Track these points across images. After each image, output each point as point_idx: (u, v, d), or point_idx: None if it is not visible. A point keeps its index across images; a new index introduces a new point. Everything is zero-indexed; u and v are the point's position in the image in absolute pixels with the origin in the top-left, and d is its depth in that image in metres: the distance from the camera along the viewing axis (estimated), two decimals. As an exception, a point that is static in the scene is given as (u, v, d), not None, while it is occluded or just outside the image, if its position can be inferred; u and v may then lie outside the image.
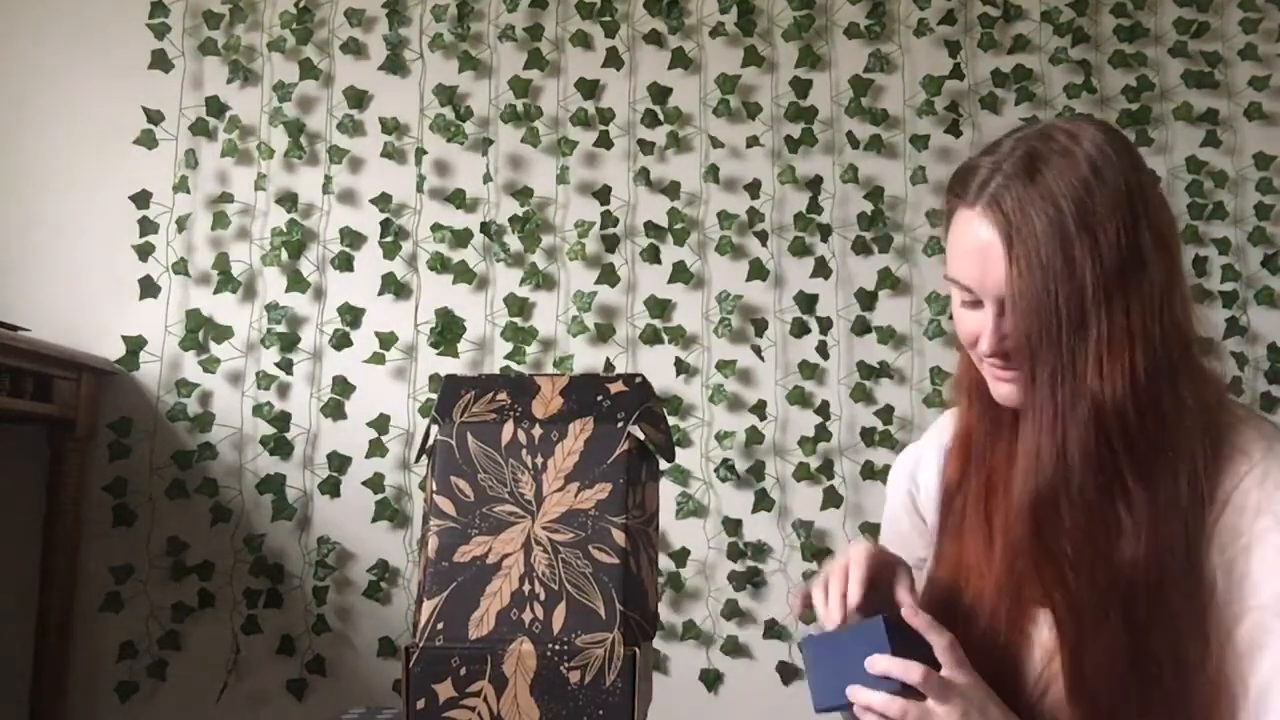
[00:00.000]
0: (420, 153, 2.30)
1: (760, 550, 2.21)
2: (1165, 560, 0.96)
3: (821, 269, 2.28)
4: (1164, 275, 0.96)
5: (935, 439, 1.24)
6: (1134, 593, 0.95)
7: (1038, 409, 0.97)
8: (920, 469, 1.23)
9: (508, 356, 2.24)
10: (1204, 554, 0.97)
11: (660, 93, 2.32)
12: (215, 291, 2.25)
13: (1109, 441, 0.95)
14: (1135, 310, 0.95)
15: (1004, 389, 1.03)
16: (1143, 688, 0.95)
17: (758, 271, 2.27)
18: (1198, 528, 0.97)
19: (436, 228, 2.27)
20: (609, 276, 2.27)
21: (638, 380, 0.95)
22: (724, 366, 2.24)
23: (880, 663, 0.94)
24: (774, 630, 2.19)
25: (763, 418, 2.24)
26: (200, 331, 2.24)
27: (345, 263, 2.26)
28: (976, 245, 0.99)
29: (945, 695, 0.94)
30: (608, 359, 2.26)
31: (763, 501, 2.22)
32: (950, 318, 2.23)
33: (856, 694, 0.95)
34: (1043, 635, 1.02)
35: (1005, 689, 0.99)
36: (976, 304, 1.02)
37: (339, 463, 2.21)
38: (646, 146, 2.31)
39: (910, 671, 0.93)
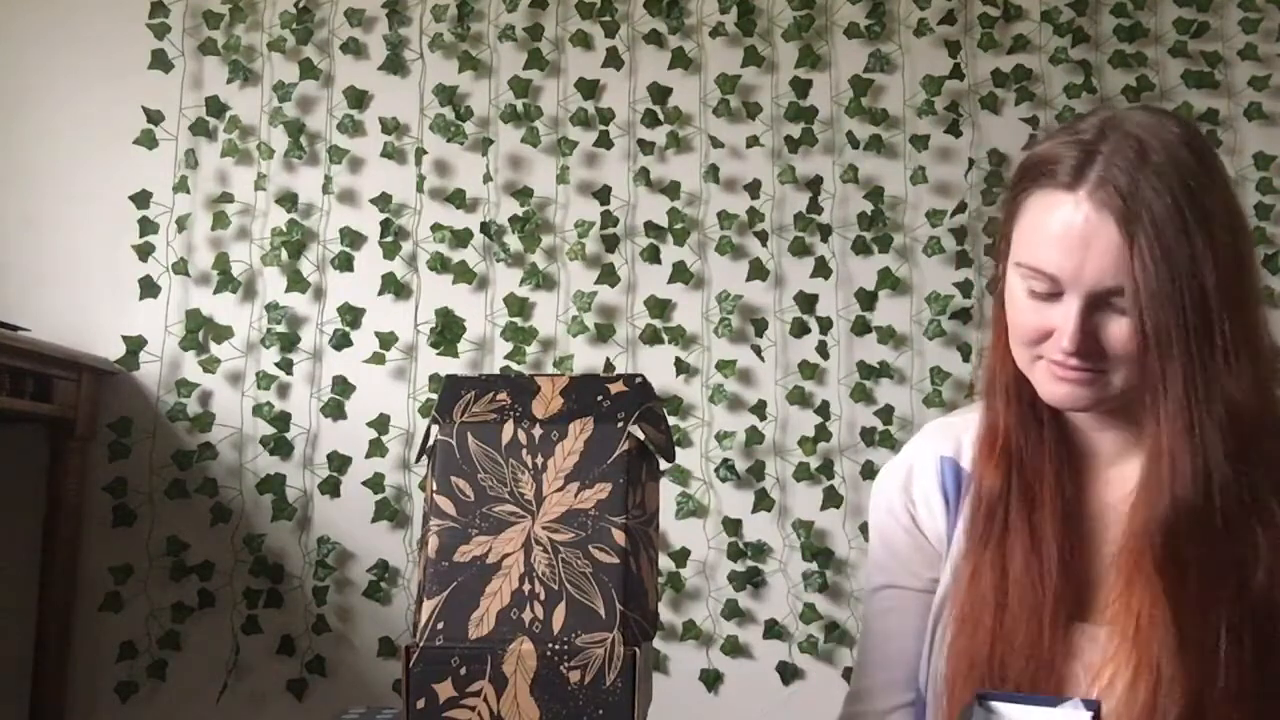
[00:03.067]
0: (420, 153, 2.30)
1: (760, 550, 2.21)
2: None
3: (821, 269, 2.28)
4: (1256, 270, 0.93)
5: (927, 448, 1.14)
6: (1273, 615, 0.89)
7: (1168, 415, 0.90)
8: (915, 482, 1.13)
9: (508, 356, 2.24)
10: None
11: (660, 93, 2.32)
12: (215, 291, 2.25)
13: (1246, 450, 0.89)
14: (1250, 305, 0.91)
15: (1063, 390, 0.95)
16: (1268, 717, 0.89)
17: (758, 271, 2.27)
18: None
19: (436, 228, 2.27)
20: (609, 276, 2.27)
21: (638, 380, 0.94)
22: (724, 366, 2.24)
23: None
24: (774, 630, 2.19)
25: (763, 418, 2.24)
26: (200, 331, 2.24)
27: (345, 263, 2.26)
28: (1077, 230, 0.90)
29: None
30: (608, 359, 2.26)
31: (763, 501, 2.22)
32: (950, 317, 2.25)
33: None
34: (1091, 651, 0.97)
35: None
36: (1053, 296, 0.93)
37: (339, 463, 2.21)
38: (646, 146, 2.31)
39: None
